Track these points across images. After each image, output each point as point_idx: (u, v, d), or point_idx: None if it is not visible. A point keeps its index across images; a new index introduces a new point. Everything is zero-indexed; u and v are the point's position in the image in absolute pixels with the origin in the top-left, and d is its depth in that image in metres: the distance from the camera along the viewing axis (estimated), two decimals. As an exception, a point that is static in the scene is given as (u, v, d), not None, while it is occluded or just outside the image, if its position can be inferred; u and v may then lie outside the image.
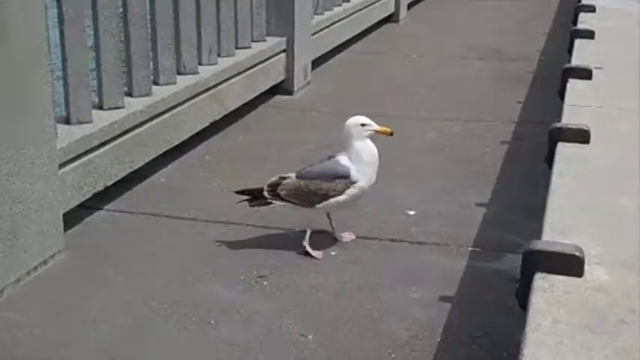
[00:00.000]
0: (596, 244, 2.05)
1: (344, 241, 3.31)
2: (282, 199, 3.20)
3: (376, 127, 3.18)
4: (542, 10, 8.73)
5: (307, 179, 3.19)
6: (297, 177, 3.22)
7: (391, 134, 3.19)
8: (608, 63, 3.98)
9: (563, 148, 2.75)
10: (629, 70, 3.80)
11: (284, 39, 5.37)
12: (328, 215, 3.33)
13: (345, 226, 3.39)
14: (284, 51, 5.39)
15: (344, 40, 6.72)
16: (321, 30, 6.14)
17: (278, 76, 5.39)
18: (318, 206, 3.19)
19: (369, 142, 3.17)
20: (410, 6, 8.73)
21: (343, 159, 3.17)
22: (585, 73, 3.65)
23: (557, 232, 2.10)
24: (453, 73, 6.23)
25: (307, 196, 3.18)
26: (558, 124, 2.86)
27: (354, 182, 3.15)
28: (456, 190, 3.86)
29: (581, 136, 2.79)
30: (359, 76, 6.16)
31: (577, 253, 1.88)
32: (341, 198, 3.17)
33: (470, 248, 3.25)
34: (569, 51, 4.38)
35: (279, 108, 5.26)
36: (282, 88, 5.45)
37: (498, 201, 3.73)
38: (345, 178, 3.15)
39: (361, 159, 3.15)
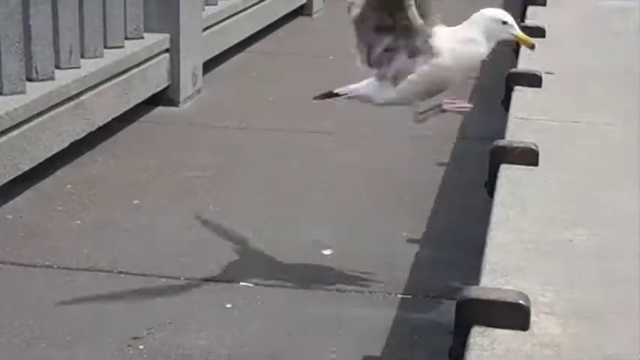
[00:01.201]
0: (545, 290, 2.10)
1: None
2: None
3: (519, 31, 3.12)
4: None
5: None
6: None
7: (533, 47, 3.14)
8: (562, 66, 4.10)
9: (506, 172, 2.82)
10: (587, 76, 3.93)
11: (167, 36, 5.35)
12: None
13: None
14: (167, 51, 5.37)
15: (243, 37, 6.74)
16: (215, 25, 6.14)
17: (160, 83, 5.35)
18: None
19: (488, 45, 3.10)
20: (327, -6, 8.83)
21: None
22: (534, 79, 3.76)
23: (498, 275, 2.14)
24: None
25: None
26: (501, 143, 2.94)
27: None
28: (383, 223, 3.91)
29: (529, 157, 2.86)
30: (261, 82, 6.18)
31: (521, 301, 1.92)
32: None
33: (400, 295, 3.29)
34: (515, 52, 4.51)
35: (162, 123, 5.22)
36: (165, 98, 5.42)
37: (434, 236, 3.79)
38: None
39: (462, 46, 3.08)
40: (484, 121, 5.18)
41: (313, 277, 3.39)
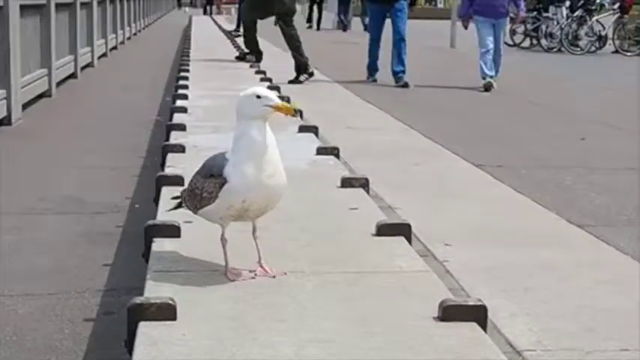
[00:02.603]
0: None
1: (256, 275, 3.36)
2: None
3: (277, 101, 3.02)
4: (135, 142, 9.11)
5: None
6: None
7: (296, 114, 3.05)
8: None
9: (144, 330, 2.84)
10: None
11: None
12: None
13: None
14: None
15: None
16: None
17: None
18: (198, 213, 3.31)
19: (258, 125, 3.06)
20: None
21: (229, 151, 3.17)
22: (173, 230, 3.85)
23: None
24: (21, 235, 6.14)
25: (190, 199, 3.34)
26: (137, 300, 2.96)
27: (224, 182, 3.10)
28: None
29: (166, 312, 2.91)
30: None
31: None
32: (211, 206, 3.19)
33: None
34: (156, 202, 4.61)
35: None
36: None
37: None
38: (217, 176, 3.13)
39: (239, 148, 3.08)
40: (136, 271, 5.19)
41: None
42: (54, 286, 5.05)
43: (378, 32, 14.21)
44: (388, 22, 14.08)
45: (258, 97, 3.12)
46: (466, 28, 14.72)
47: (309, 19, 34.75)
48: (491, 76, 13.78)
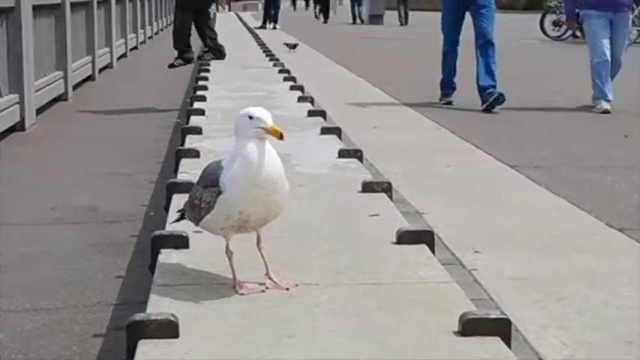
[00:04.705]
0: None
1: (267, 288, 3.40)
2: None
3: (268, 123, 3.15)
4: (154, 147, 9.13)
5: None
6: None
7: (281, 137, 3.16)
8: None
9: (144, 348, 2.81)
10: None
11: None
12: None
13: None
14: None
15: None
16: None
17: None
18: (200, 225, 3.38)
19: (255, 143, 3.17)
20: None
21: (226, 159, 3.26)
22: (181, 241, 3.81)
23: None
24: (35, 247, 6.16)
25: (190, 210, 3.42)
26: (137, 317, 2.93)
27: (220, 192, 3.19)
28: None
29: (167, 330, 2.88)
30: None
31: None
32: (209, 216, 3.28)
33: None
34: (166, 210, 4.58)
35: None
36: None
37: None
38: (213, 186, 3.23)
39: (234, 160, 3.19)
40: (148, 285, 5.17)
41: None
42: (63, 300, 5.05)
43: (455, 33, 11.43)
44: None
45: (251, 117, 3.22)
46: (574, 31, 11.40)
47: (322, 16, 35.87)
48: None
